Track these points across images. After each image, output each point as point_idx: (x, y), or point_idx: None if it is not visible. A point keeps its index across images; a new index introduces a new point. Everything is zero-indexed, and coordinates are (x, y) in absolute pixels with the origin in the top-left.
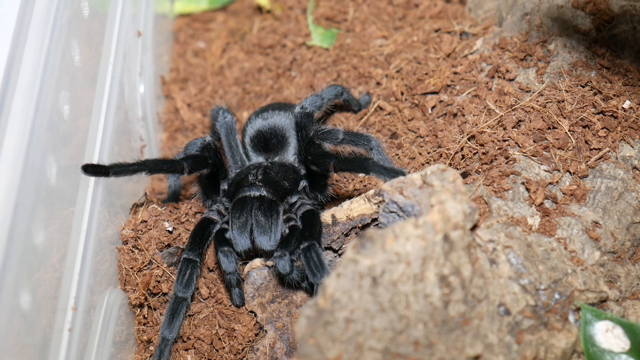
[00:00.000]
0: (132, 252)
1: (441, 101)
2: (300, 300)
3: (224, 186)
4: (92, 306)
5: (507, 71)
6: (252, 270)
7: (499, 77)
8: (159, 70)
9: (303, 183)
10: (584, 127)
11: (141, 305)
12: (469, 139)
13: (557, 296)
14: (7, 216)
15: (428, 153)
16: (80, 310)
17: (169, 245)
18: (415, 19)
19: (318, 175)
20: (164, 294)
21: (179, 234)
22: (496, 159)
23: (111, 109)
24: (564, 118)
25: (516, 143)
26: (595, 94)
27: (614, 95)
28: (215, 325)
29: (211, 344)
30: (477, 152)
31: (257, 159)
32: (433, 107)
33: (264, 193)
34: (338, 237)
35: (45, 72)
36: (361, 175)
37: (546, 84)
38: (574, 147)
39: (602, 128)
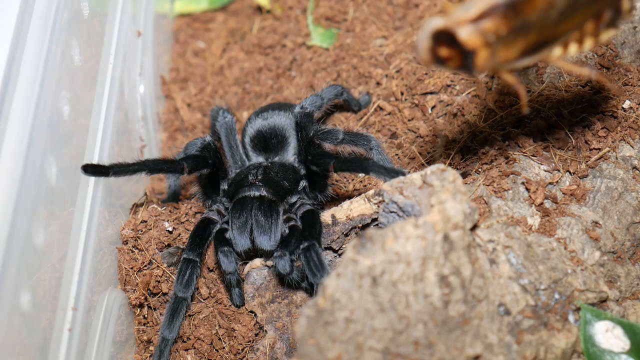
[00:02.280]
0: (132, 252)
1: (441, 101)
2: (300, 300)
3: (224, 186)
4: (92, 306)
5: None
6: (252, 270)
7: (498, 77)
8: (159, 70)
9: (303, 183)
10: (584, 127)
11: (141, 305)
12: (468, 139)
13: (557, 296)
14: (7, 216)
15: (428, 153)
16: (80, 310)
17: (169, 245)
18: (415, 19)
19: (318, 175)
20: (164, 294)
21: (179, 234)
22: (496, 159)
23: (111, 109)
24: (564, 118)
25: (516, 143)
26: (595, 94)
27: (614, 95)
28: (215, 325)
29: (211, 344)
30: (477, 152)
31: (257, 159)
32: (433, 107)
33: (264, 193)
34: (338, 237)
35: (45, 72)
36: (361, 175)
37: (546, 84)
38: (573, 147)
39: (602, 128)
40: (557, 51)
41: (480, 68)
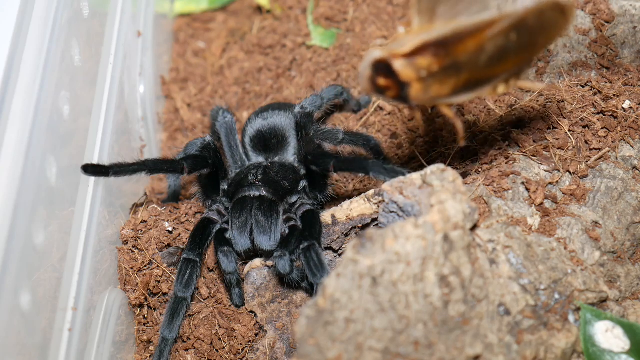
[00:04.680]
0: (132, 252)
1: None
2: (300, 300)
3: (224, 186)
4: (92, 306)
5: None
6: (252, 270)
7: (437, 109)
8: (159, 70)
9: (303, 183)
10: (584, 127)
11: (141, 305)
12: (468, 139)
13: (557, 296)
14: (7, 216)
15: (428, 153)
16: (80, 310)
17: (169, 245)
18: None
19: (318, 175)
20: (164, 294)
21: (179, 234)
22: (496, 159)
23: (111, 109)
24: (564, 118)
25: (516, 143)
26: (595, 94)
27: (614, 95)
28: (215, 325)
29: (211, 344)
30: (477, 152)
31: (257, 159)
32: (433, 107)
33: (264, 193)
34: (338, 237)
35: (45, 72)
36: (361, 175)
37: (546, 84)
38: (573, 147)
39: (602, 128)
40: (488, 90)
41: (415, 100)
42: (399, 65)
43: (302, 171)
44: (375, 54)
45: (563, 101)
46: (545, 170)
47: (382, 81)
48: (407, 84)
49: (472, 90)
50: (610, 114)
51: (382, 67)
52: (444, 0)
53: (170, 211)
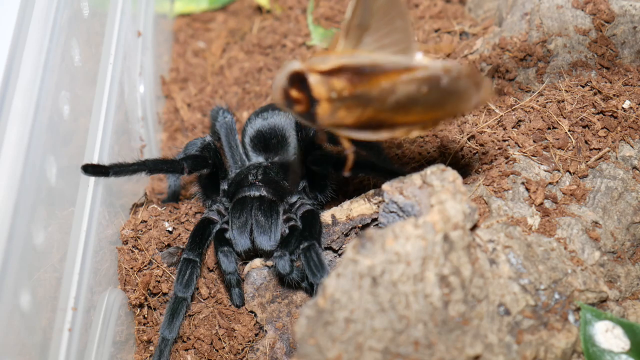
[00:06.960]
0: (132, 252)
1: None
2: (300, 300)
3: (224, 186)
4: (92, 306)
5: (507, 71)
6: (252, 270)
7: (498, 77)
8: (159, 70)
9: (303, 183)
10: (584, 127)
11: (141, 305)
12: (469, 139)
13: (557, 296)
14: (7, 216)
15: (428, 153)
16: (80, 310)
17: (169, 245)
18: (415, 19)
19: (318, 176)
20: (164, 294)
21: (179, 234)
22: (496, 159)
23: (111, 109)
24: (564, 118)
25: (516, 143)
26: (595, 94)
27: (614, 95)
28: (215, 325)
29: (211, 344)
30: (477, 152)
31: (257, 159)
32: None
33: (264, 193)
34: (338, 237)
35: (45, 72)
36: (361, 175)
37: (546, 84)
38: (574, 147)
39: (602, 128)
40: (385, 135)
41: (320, 119)
42: (314, 79)
43: (302, 171)
44: (294, 65)
45: (563, 101)
46: (545, 170)
47: (294, 93)
48: (317, 102)
49: (373, 130)
50: (610, 114)
51: (298, 80)
52: (373, 31)
53: (170, 211)
